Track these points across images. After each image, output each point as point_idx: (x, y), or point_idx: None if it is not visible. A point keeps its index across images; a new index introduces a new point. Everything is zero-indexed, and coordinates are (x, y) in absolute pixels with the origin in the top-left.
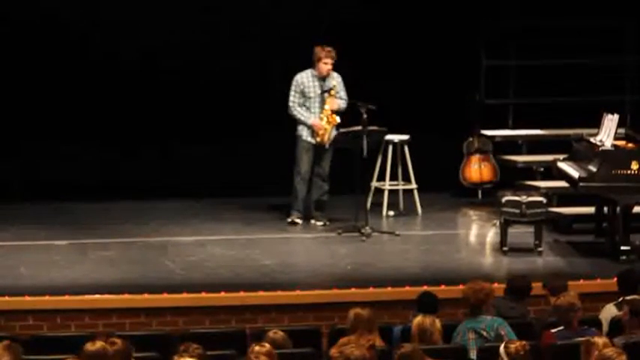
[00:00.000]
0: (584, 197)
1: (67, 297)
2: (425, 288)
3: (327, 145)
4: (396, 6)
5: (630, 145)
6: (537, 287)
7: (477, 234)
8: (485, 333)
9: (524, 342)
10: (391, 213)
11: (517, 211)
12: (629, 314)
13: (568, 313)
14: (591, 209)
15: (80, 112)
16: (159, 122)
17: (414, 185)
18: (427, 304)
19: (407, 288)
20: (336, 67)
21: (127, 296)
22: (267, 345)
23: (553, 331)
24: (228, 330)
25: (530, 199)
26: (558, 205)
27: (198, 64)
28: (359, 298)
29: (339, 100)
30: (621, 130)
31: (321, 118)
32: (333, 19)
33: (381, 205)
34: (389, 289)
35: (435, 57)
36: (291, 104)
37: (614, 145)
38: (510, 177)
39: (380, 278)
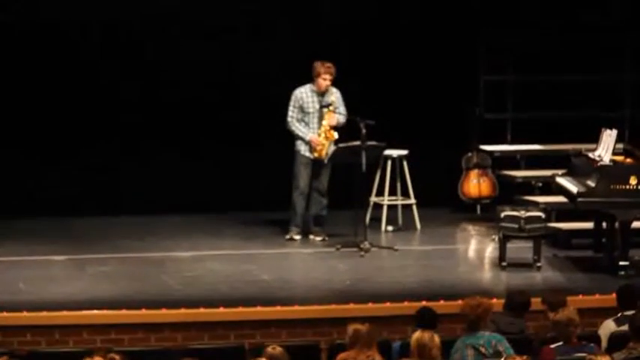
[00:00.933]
0: (582, 212)
1: (65, 312)
2: (424, 303)
3: (325, 160)
4: (395, 21)
5: (629, 160)
6: (536, 302)
7: (476, 249)
8: (483, 349)
9: (524, 356)
10: (390, 228)
11: (516, 226)
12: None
13: (567, 329)
14: (590, 224)
15: (79, 127)
16: (157, 137)
17: (412, 200)
18: (426, 319)
19: (406, 303)
20: (335, 83)
21: (125, 312)
22: None
23: (552, 346)
24: (227, 345)
25: (529, 214)
26: (557, 221)
27: (197, 79)
28: (358, 314)
29: (337, 116)
30: (620, 146)
31: (319, 134)
32: (333, 34)
33: (379, 220)
34: (388, 304)
35: (433, 72)
36: (289, 119)
37: (612, 161)
38: (509, 192)
39: (379, 293)
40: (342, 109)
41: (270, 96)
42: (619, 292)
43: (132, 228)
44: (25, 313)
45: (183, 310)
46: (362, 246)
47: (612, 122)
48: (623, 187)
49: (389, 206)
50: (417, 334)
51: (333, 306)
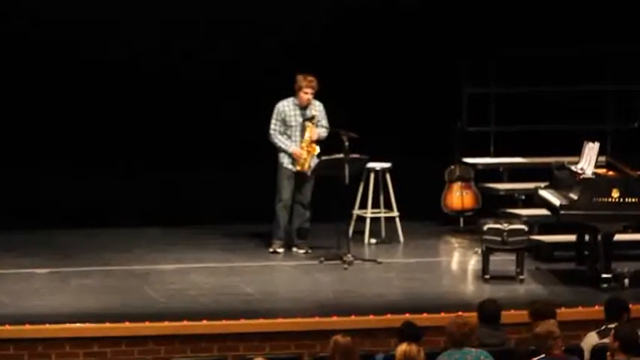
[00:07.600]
0: (565, 225)
1: (47, 326)
2: (407, 316)
3: (308, 173)
4: (377, 34)
5: (611, 173)
6: (516, 315)
7: (459, 262)
8: None
9: None
10: (373, 241)
11: (499, 238)
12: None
13: (546, 341)
14: (572, 237)
15: (60, 139)
16: (141, 149)
17: (395, 213)
18: (409, 335)
19: (389, 316)
20: (318, 96)
21: (108, 325)
22: None
23: (534, 359)
24: (210, 358)
25: (512, 226)
26: (540, 233)
27: (181, 91)
28: (341, 326)
29: (319, 129)
30: (602, 158)
31: (302, 147)
32: (315, 47)
33: (362, 232)
34: (371, 317)
35: (416, 85)
36: (271, 132)
37: (594, 173)
38: (492, 205)
39: (362, 306)
40: (324, 122)
41: (252, 107)
42: (607, 303)
43: (115, 241)
44: (7, 327)
45: (166, 323)
46: (345, 259)
47: (595, 135)
48: (606, 199)
49: (372, 219)
50: (403, 347)
51: (317, 319)
